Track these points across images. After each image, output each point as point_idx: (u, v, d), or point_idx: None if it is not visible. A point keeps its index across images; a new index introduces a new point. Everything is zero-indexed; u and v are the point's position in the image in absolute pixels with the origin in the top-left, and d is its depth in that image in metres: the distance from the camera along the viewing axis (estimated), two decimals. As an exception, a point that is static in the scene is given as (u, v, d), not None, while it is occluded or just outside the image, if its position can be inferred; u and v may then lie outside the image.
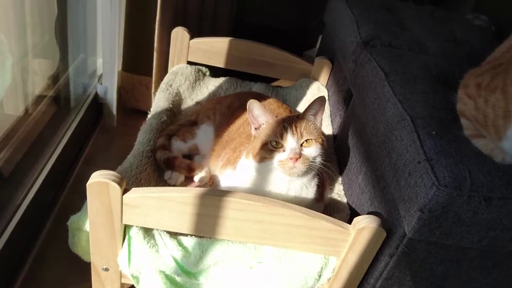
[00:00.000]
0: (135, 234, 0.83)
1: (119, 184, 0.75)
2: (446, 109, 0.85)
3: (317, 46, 2.45)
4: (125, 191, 0.78)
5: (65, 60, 1.58)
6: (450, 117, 0.82)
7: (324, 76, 1.50)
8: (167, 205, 0.78)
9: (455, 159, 0.71)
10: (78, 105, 1.55)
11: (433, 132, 0.77)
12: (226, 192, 0.78)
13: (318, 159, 0.88)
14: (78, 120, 1.48)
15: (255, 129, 0.94)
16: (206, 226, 0.80)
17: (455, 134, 0.78)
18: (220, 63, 1.50)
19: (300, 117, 0.91)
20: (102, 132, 1.62)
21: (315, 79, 1.52)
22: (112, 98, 1.58)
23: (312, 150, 0.87)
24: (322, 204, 1.04)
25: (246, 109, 1.16)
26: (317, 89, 1.48)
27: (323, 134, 0.93)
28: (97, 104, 1.63)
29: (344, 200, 1.10)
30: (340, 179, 1.17)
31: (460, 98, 0.83)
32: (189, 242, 0.85)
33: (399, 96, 0.89)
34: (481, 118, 0.74)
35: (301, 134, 0.87)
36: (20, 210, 1.11)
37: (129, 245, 0.83)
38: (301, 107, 1.47)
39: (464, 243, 0.73)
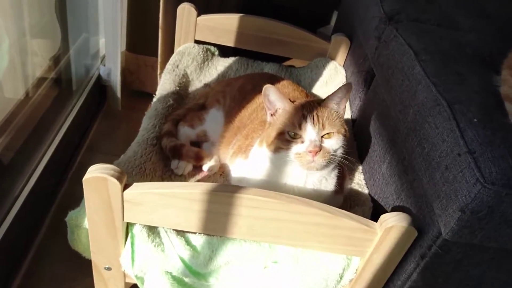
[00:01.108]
0: (139, 232, 0.75)
1: (119, 179, 0.67)
2: (487, 93, 0.74)
3: (332, 23, 2.32)
4: (126, 186, 0.70)
5: (66, 40, 1.49)
6: (493, 102, 0.72)
7: (341, 55, 1.39)
8: (172, 202, 0.70)
9: (502, 151, 0.61)
10: (80, 87, 1.46)
11: (475, 120, 0.67)
12: (237, 188, 0.69)
13: (339, 151, 0.80)
14: (81, 103, 1.40)
15: (271, 115, 0.85)
16: (216, 224, 0.73)
17: (500, 122, 0.68)
18: (229, 41, 1.40)
19: (322, 104, 0.82)
20: (106, 117, 1.54)
21: (332, 58, 1.41)
22: (116, 80, 1.49)
23: (333, 142, 0.79)
24: (341, 196, 0.96)
25: (259, 93, 1.08)
26: (334, 69, 1.37)
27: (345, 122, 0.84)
28: (100, 87, 1.54)
29: (366, 191, 1.01)
30: (360, 167, 1.08)
31: (504, 81, 0.73)
32: (198, 240, 0.77)
33: (432, 77, 0.78)
34: (532, 104, 0.64)
35: (323, 125, 0.78)
36: (20, 199, 1.05)
37: (132, 244, 0.76)
38: (316, 89, 1.38)
39: (510, 245, 0.64)
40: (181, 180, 0.99)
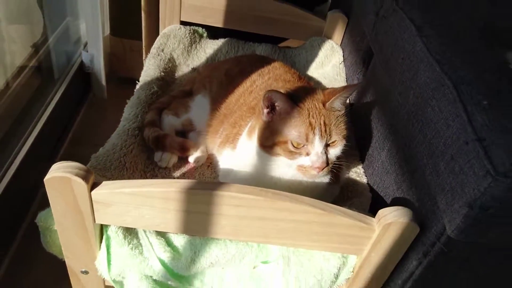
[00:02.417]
0: (114, 234, 0.69)
1: (85, 178, 0.60)
2: (499, 72, 0.66)
3: (330, 0, 2.21)
4: (94, 186, 0.63)
5: (47, 25, 1.41)
6: (506, 83, 0.64)
7: (338, 34, 1.30)
8: (146, 202, 0.63)
9: (516, 138, 0.54)
10: (62, 75, 1.39)
11: (485, 102, 0.59)
12: (218, 185, 0.62)
13: (341, 156, 0.75)
14: (62, 92, 1.32)
15: (268, 112, 0.75)
16: (196, 225, 0.66)
17: (513, 104, 0.60)
18: (218, 22, 1.31)
19: (327, 107, 0.74)
20: (91, 106, 1.47)
21: (328, 37, 1.32)
22: (99, 66, 1.41)
23: (338, 150, 0.74)
24: (337, 186, 0.89)
25: (247, 76, 1.00)
26: (331, 49, 1.29)
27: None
28: (84, 74, 1.46)
29: (364, 180, 0.94)
30: (358, 154, 1.01)
31: (518, 56, 0.64)
32: (179, 241, 0.71)
33: (436, 55, 0.70)
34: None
35: (330, 134, 0.72)
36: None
37: (107, 246, 0.70)
38: (312, 71, 1.29)
39: (524, 245, 0.57)
40: (165, 174, 0.92)
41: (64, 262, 0.75)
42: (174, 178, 0.92)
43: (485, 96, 0.60)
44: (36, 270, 0.99)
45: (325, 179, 0.78)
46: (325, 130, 0.71)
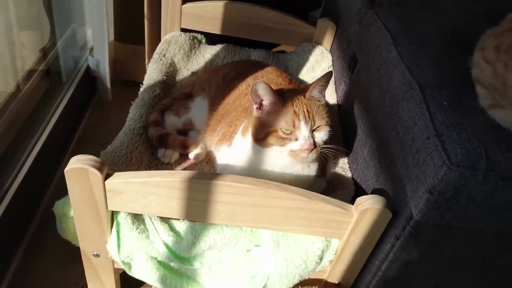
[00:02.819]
0: (123, 220, 0.78)
1: (100, 169, 0.69)
2: (461, 76, 0.75)
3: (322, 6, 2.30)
4: (107, 176, 0.72)
5: (55, 31, 1.50)
6: (466, 86, 0.73)
7: (328, 40, 1.40)
8: (153, 190, 0.72)
9: (469, 133, 0.63)
10: (69, 79, 1.48)
11: (445, 103, 0.68)
12: (215, 175, 0.72)
13: (327, 141, 0.84)
14: (70, 95, 1.41)
15: (257, 108, 0.85)
16: (196, 211, 0.75)
17: (470, 105, 0.69)
18: (216, 29, 1.40)
19: (307, 96, 0.84)
20: (96, 107, 1.56)
21: (319, 43, 1.41)
22: (104, 71, 1.50)
23: (323, 135, 0.83)
24: (324, 179, 0.98)
25: (242, 80, 1.10)
26: (321, 54, 1.38)
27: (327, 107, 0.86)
28: (90, 78, 1.55)
29: (349, 174, 1.03)
30: (345, 151, 1.10)
31: (476, 63, 0.73)
32: (181, 226, 0.80)
33: (407, 61, 0.79)
34: (499, 86, 0.66)
35: (313, 120, 0.81)
36: (11, 191, 1.07)
37: (117, 231, 0.79)
38: (303, 74, 1.38)
39: (478, 226, 0.66)
40: (167, 169, 1.01)
41: (71, 250, 0.83)
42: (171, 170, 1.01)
43: (446, 98, 0.70)
44: (47, 257, 1.08)
45: (313, 171, 0.87)
46: (309, 116, 0.81)
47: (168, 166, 1.01)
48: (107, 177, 0.71)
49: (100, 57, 1.48)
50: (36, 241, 1.11)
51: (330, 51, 1.40)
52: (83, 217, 0.76)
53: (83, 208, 0.74)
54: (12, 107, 1.27)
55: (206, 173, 0.93)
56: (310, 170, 0.89)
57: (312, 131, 0.82)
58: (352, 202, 0.85)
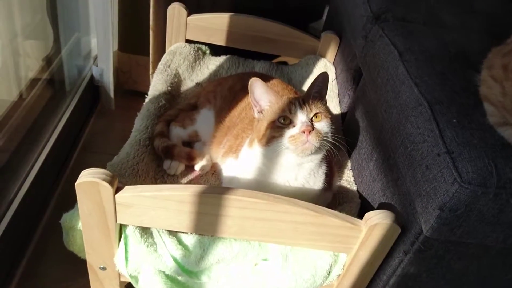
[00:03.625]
0: (132, 233, 0.78)
1: (111, 182, 0.69)
2: (467, 93, 0.76)
3: (324, 17, 2.32)
4: (118, 189, 0.72)
5: (58, 40, 1.50)
6: (472, 102, 0.74)
7: (331, 53, 1.41)
8: (163, 204, 0.72)
9: (479, 151, 0.64)
10: (73, 88, 1.48)
11: (454, 120, 0.69)
12: (226, 190, 0.72)
13: (330, 135, 0.82)
14: (74, 104, 1.41)
15: (258, 112, 0.87)
16: (206, 224, 0.75)
17: (478, 122, 0.70)
18: (220, 40, 1.41)
19: (305, 94, 0.86)
20: (100, 117, 1.56)
21: (322, 55, 1.42)
22: (108, 80, 1.50)
23: (323, 124, 0.81)
24: (330, 193, 0.98)
25: (248, 92, 1.10)
26: (324, 66, 1.39)
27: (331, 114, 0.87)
28: (94, 87, 1.56)
29: (354, 187, 1.03)
30: (349, 164, 1.11)
31: (483, 81, 0.75)
32: (190, 240, 0.80)
33: (415, 78, 0.80)
34: (509, 104, 0.67)
35: (310, 108, 0.81)
36: (16, 201, 1.07)
37: (125, 244, 0.78)
38: (306, 86, 1.39)
39: (487, 242, 0.67)
40: (173, 180, 1.01)
41: (75, 261, 0.83)
42: (182, 184, 1.01)
43: (455, 115, 0.70)
44: (50, 268, 1.07)
45: (319, 183, 0.87)
46: (304, 104, 0.81)
47: (173, 177, 1.02)
48: (117, 190, 0.71)
49: (104, 66, 1.49)
50: (40, 252, 1.10)
51: (333, 63, 1.42)
52: (92, 230, 0.76)
53: (92, 221, 0.74)
54: (15, 116, 1.27)
55: (216, 187, 0.93)
56: (316, 181, 0.88)
57: (311, 120, 0.81)
58: (358, 216, 0.85)
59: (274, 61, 1.52)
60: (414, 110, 0.76)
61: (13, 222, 1.03)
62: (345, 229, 0.75)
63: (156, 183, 0.99)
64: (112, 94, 1.54)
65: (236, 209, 0.72)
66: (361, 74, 1.16)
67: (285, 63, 1.59)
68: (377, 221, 0.73)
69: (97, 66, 1.52)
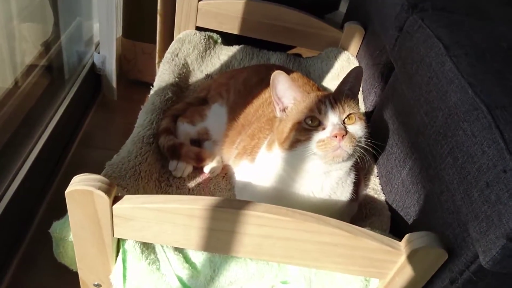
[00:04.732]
0: (131, 248, 0.67)
1: (107, 191, 0.58)
2: (533, 96, 0.65)
3: (340, 8, 2.20)
4: (116, 199, 0.61)
5: (58, 24, 1.39)
6: (542, 108, 0.62)
7: (355, 45, 1.29)
8: (169, 218, 0.61)
9: (557, 169, 0.52)
10: (72, 76, 1.37)
11: (522, 129, 0.58)
12: (244, 204, 0.60)
13: (363, 140, 0.70)
14: (73, 93, 1.30)
15: (281, 110, 0.75)
16: (218, 242, 0.64)
17: (551, 132, 0.58)
18: (233, 29, 1.29)
19: (335, 91, 0.74)
20: (101, 108, 1.45)
21: (344, 48, 1.30)
22: (111, 68, 1.39)
23: (357, 128, 0.70)
24: (356, 203, 0.87)
25: (265, 86, 0.98)
26: (347, 60, 1.27)
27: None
28: (95, 76, 1.44)
29: (382, 197, 0.92)
30: (375, 170, 0.99)
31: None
32: (198, 258, 0.69)
33: (468, 77, 0.68)
34: None
35: (342, 108, 0.70)
36: (5, 199, 0.97)
37: (123, 260, 0.68)
38: (327, 82, 1.28)
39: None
40: (180, 183, 0.90)
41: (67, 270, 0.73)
42: (188, 188, 0.90)
43: (522, 123, 0.59)
44: (42, 274, 0.97)
45: (346, 192, 0.76)
46: (336, 103, 0.70)
47: (180, 180, 0.91)
48: (115, 200, 0.60)
49: (106, 53, 1.37)
50: (29, 259, 0.99)
51: (356, 57, 1.30)
52: (84, 243, 0.65)
53: (85, 234, 0.63)
54: (9, 105, 1.17)
55: (233, 200, 0.82)
56: (344, 191, 0.78)
57: (343, 122, 0.69)
58: (390, 231, 0.74)
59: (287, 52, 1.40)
60: (467, 114, 0.64)
61: (1, 223, 0.93)
62: (381, 253, 0.64)
63: (160, 186, 0.88)
64: (114, 83, 1.42)
65: (255, 226, 0.61)
66: (390, 70, 1.05)
67: (299, 55, 1.47)
68: (421, 245, 0.62)
69: (99, 53, 1.40)
